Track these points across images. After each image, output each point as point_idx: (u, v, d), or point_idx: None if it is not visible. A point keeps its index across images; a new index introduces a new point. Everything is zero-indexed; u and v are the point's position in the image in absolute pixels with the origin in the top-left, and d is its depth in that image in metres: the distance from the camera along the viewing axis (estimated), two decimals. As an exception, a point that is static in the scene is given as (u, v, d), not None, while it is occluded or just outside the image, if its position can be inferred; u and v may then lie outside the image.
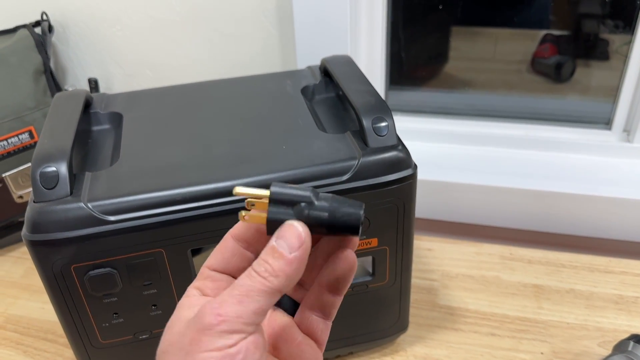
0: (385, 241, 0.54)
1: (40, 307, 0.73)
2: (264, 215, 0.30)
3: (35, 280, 0.78)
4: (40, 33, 0.80)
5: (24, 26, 0.79)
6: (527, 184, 0.79)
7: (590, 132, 0.85)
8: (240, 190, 0.30)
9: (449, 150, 0.89)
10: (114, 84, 0.89)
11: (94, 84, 0.84)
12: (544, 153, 0.86)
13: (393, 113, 0.80)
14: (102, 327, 0.51)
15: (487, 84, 0.90)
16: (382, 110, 0.52)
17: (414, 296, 0.72)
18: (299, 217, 0.30)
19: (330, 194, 0.31)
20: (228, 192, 0.47)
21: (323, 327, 0.35)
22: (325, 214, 0.30)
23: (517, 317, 0.68)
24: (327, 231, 0.31)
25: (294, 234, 0.29)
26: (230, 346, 0.27)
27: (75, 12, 0.83)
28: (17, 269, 0.80)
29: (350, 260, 0.33)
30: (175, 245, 0.48)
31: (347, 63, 0.62)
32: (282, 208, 0.30)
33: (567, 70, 0.87)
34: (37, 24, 0.81)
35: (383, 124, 0.51)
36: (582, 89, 0.86)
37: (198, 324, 0.28)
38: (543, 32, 0.86)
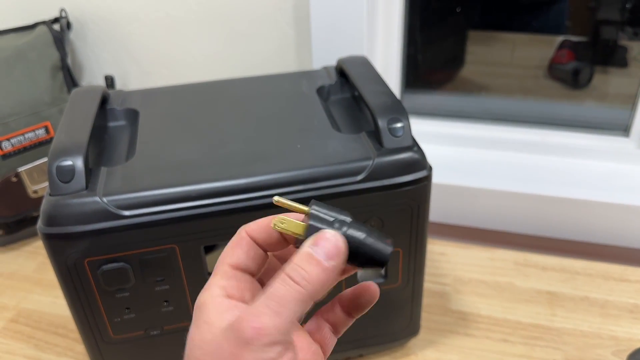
0: (399, 243, 0.54)
1: (52, 302, 0.74)
2: (299, 225, 0.31)
3: (47, 274, 0.78)
4: (59, 30, 0.80)
5: (43, 23, 0.80)
6: (542, 189, 0.78)
7: (607, 139, 0.84)
8: (280, 200, 0.31)
9: (464, 154, 0.88)
10: (130, 81, 0.90)
11: (110, 81, 0.84)
12: (560, 159, 0.85)
13: (410, 116, 0.79)
14: (114, 322, 0.51)
15: (503, 89, 0.89)
16: (398, 111, 0.51)
17: (425, 300, 0.71)
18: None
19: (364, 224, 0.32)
20: (242, 189, 0.47)
21: (331, 341, 0.35)
22: (363, 234, 0.31)
23: (530, 323, 0.67)
24: (355, 257, 0.31)
25: (331, 243, 0.29)
26: (273, 359, 0.27)
27: (94, 10, 0.83)
28: (30, 263, 0.81)
29: (374, 292, 0.35)
30: (188, 241, 0.48)
31: (364, 64, 0.62)
32: (319, 223, 0.31)
33: (585, 76, 0.87)
34: (56, 20, 0.81)
35: (399, 124, 0.51)
36: (600, 95, 0.86)
37: (238, 338, 0.27)
38: (561, 38, 0.85)
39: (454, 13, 0.86)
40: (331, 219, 0.31)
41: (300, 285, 0.28)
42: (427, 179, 0.51)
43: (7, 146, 0.74)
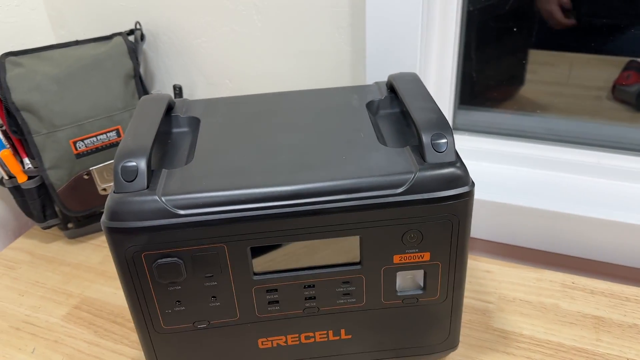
0: (438, 256, 0.55)
1: (113, 293, 0.79)
2: None
3: (111, 267, 0.84)
4: (133, 41, 0.87)
5: (119, 34, 0.86)
6: (595, 212, 0.77)
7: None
8: None
9: (517, 173, 0.88)
10: (196, 91, 0.95)
11: (178, 90, 0.90)
12: (615, 182, 0.83)
13: (462, 132, 0.80)
14: (165, 313, 0.55)
15: (563, 109, 0.88)
16: (443, 127, 0.53)
17: (467, 316, 0.71)
18: None
19: None
20: (287, 196, 0.50)
21: None
22: None
23: (573, 346, 0.66)
24: None
25: None
26: None
27: (166, 23, 0.89)
28: (96, 256, 0.87)
29: None
30: (236, 242, 0.51)
31: (413, 80, 0.63)
32: None
33: (651, 99, 0.85)
34: (131, 32, 0.88)
35: (442, 140, 0.52)
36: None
37: None
38: (627, 59, 0.84)
39: (514, 32, 0.86)
40: None
41: None
42: (469, 194, 0.52)
43: (81, 146, 0.81)
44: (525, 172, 0.88)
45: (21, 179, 0.82)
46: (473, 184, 0.52)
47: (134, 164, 0.51)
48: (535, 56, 0.88)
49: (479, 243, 0.86)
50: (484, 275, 0.78)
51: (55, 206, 0.86)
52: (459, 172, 0.51)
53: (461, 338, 0.68)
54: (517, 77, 0.90)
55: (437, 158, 0.52)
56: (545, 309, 0.72)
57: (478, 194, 0.82)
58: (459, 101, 0.93)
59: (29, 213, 0.86)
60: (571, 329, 0.69)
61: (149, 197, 0.50)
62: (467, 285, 0.76)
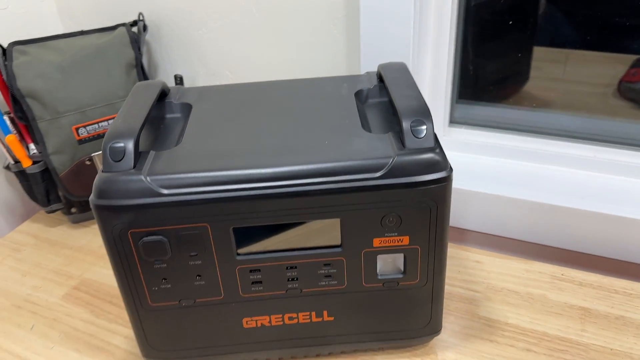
0: (417, 241, 0.56)
1: (111, 275, 0.81)
2: None
3: (110, 251, 0.86)
4: (136, 31, 0.89)
5: (122, 25, 0.89)
6: (589, 205, 0.77)
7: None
8: None
9: (513, 166, 0.88)
10: (197, 81, 0.97)
11: (179, 80, 0.92)
12: (611, 176, 0.83)
13: (460, 126, 0.81)
14: (152, 290, 0.57)
15: (566, 105, 0.88)
16: (423, 113, 0.54)
17: (454, 304, 0.72)
18: None
19: None
20: (269, 177, 0.51)
21: None
22: None
23: (558, 336, 0.67)
24: None
25: None
26: None
27: (168, 14, 0.91)
28: (97, 240, 0.89)
29: None
30: (219, 222, 0.53)
31: (400, 70, 0.65)
32: None
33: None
34: (135, 23, 0.90)
35: (422, 126, 0.53)
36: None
37: None
38: (634, 57, 0.83)
39: (516, 28, 0.86)
40: None
41: None
42: (447, 179, 0.53)
43: (83, 132, 0.83)
44: (521, 166, 0.88)
45: (26, 163, 0.85)
46: (451, 169, 0.53)
47: (122, 144, 0.53)
48: (544, 53, 0.88)
49: (472, 235, 0.86)
50: (474, 266, 0.79)
51: (59, 191, 0.88)
52: (437, 157, 0.52)
53: (446, 325, 0.69)
54: (519, 73, 0.90)
55: (416, 143, 0.53)
56: (532, 299, 0.72)
57: (472, 186, 0.83)
58: (459, 95, 0.93)
59: (33, 197, 0.89)
60: (557, 319, 0.69)
61: (135, 177, 0.52)
62: (456, 275, 0.77)
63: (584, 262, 0.79)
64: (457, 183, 0.84)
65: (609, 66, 0.84)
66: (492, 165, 0.89)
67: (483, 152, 0.91)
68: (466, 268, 0.78)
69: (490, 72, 0.92)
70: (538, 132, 0.90)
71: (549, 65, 0.88)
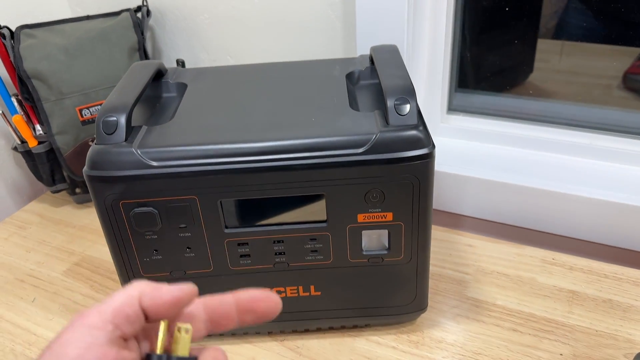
0: (401, 217, 0.57)
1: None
2: (187, 346, 0.33)
3: (112, 230, 0.89)
4: (140, 16, 0.91)
5: (126, 10, 0.91)
6: (585, 192, 0.77)
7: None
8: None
9: (509, 153, 0.89)
10: (199, 66, 0.99)
11: (181, 64, 0.94)
12: (607, 163, 0.84)
13: (458, 113, 0.81)
14: (144, 261, 0.59)
15: (570, 96, 0.89)
16: (407, 92, 0.55)
17: (442, 285, 0.73)
18: None
19: None
20: (254, 152, 0.53)
21: (199, 334, 0.36)
22: None
23: (544, 317, 0.67)
24: None
25: None
26: None
27: (171, 0, 0.93)
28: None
29: (274, 305, 0.36)
30: (207, 194, 0.55)
31: (391, 51, 0.66)
32: None
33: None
34: (139, 9, 0.92)
35: (405, 104, 0.54)
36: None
37: None
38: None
39: (521, 19, 0.87)
40: None
41: None
42: (429, 156, 0.54)
43: (86, 114, 0.86)
44: (517, 152, 0.89)
45: (32, 143, 0.87)
46: (433, 146, 0.54)
47: (115, 118, 0.55)
48: (551, 45, 0.88)
49: (467, 220, 0.87)
50: (465, 249, 0.80)
51: (63, 171, 0.91)
52: (419, 134, 0.54)
53: (433, 305, 0.70)
54: (529, 65, 0.91)
55: (399, 121, 0.54)
56: (521, 282, 0.73)
57: (467, 172, 0.84)
58: (458, 84, 0.94)
59: (39, 177, 0.92)
60: (544, 301, 0.70)
61: (126, 149, 0.53)
62: (447, 257, 0.78)
63: (575, 247, 0.79)
64: (453, 169, 0.85)
65: (613, 58, 0.84)
66: (488, 152, 0.90)
67: (480, 138, 0.92)
68: (458, 251, 0.79)
69: (492, 62, 0.93)
70: (535, 120, 0.90)
71: (553, 57, 0.88)
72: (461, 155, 0.89)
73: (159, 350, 0.33)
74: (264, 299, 0.36)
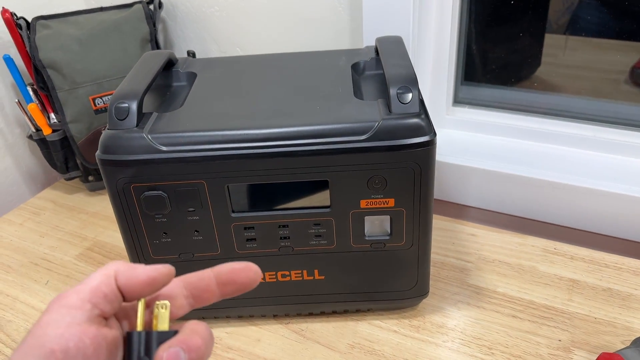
0: (402, 203, 0.59)
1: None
2: (166, 321, 0.35)
3: (123, 216, 0.91)
4: (152, 8, 0.93)
5: (139, 2, 0.93)
6: (586, 182, 0.78)
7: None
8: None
9: (514, 144, 0.90)
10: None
11: (192, 55, 0.96)
12: (610, 155, 0.85)
13: (463, 105, 0.83)
14: (154, 243, 0.61)
15: (576, 90, 0.89)
16: (409, 81, 0.57)
17: (445, 273, 0.75)
18: None
19: None
20: (260, 138, 0.55)
21: (182, 310, 0.37)
22: None
23: (544, 304, 0.69)
24: None
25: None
26: None
27: (183, -7, 0.95)
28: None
29: (254, 276, 0.36)
30: (214, 179, 0.57)
31: (395, 42, 0.67)
32: None
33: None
34: (151, 1, 0.94)
35: (408, 93, 0.56)
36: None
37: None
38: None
39: (531, 13, 0.87)
40: None
41: None
42: (430, 143, 0.55)
43: (99, 103, 0.88)
44: (521, 144, 0.90)
45: (46, 131, 0.90)
46: (435, 134, 0.56)
47: (126, 105, 0.57)
48: (559, 40, 0.89)
49: (471, 210, 0.88)
50: (468, 238, 0.81)
51: (77, 159, 0.93)
52: (421, 122, 0.55)
53: (435, 291, 0.71)
54: (537, 59, 0.91)
55: (402, 109, 0.56)
56: (522, 270, 0.74)
57: (472, 162, 0.85)
58: (464, 77, 0.95)
59: (53, 164, 0.94)
60: (545, 289, 0.71)
61: (137, 134, 0.55)
62: (450, 246, 0.79)
63: (578, 237, 0.80)
64: (457, 160, 0.86)
65: (621, 53, 0.85)
66: (492, 144, 0.91)
67: (484, 130, 0.93)
68: (460, 240, 0.81)
69: (498, 56, 0.94)
70: (540, 112, 0.91)
71: (560, 51, 0.89)
72: (466, 147, 0.90)
73: (139, 327, 0.34)
74: (243, 269, 0.37)
